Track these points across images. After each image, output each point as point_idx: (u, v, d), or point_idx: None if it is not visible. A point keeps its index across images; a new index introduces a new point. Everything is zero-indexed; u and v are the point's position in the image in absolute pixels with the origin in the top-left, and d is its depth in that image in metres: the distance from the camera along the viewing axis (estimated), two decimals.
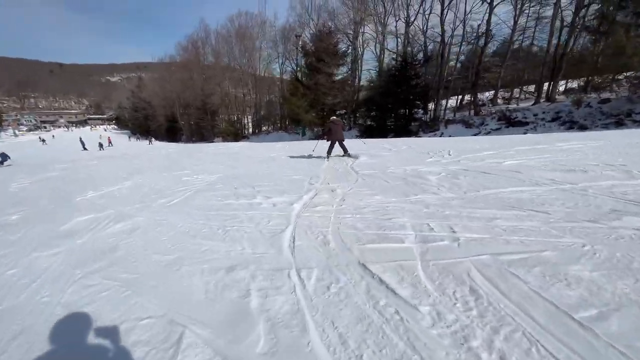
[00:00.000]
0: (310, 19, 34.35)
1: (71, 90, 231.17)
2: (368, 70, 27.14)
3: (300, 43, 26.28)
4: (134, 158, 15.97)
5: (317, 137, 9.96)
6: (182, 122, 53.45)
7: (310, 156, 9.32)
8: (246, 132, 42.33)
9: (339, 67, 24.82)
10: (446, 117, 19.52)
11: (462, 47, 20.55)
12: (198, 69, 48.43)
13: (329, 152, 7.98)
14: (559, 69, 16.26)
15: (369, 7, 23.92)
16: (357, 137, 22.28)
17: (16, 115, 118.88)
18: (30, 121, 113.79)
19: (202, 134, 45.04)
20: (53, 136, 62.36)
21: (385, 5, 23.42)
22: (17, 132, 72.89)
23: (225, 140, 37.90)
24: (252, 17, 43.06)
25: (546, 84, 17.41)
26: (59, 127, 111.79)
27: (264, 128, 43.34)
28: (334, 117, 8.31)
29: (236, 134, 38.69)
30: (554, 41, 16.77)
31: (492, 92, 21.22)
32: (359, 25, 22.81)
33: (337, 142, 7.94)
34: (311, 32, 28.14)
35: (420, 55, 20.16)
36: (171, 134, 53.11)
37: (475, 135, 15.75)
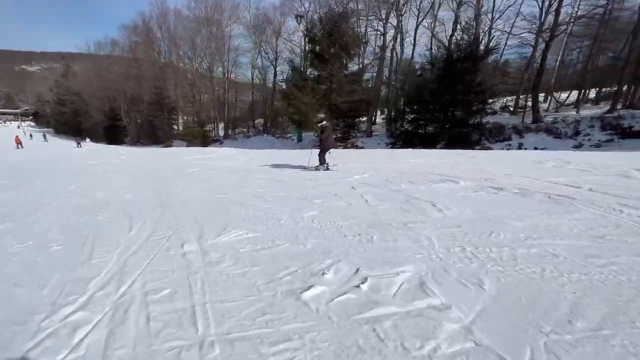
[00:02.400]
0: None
1: None
2: (408, 60, 22.42)
3: (303, 25, 21.04)
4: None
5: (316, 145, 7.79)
6: (126, 120, 43.74)
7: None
8: (217, 135, 35.14)
9: (355, 57, 20.17)
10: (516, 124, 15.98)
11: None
12: (151, 55, 40.01)
13: (323, 160, 7.33)
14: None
15: None
16: (389, 145, 17.61)
17: None
18: None
19: (155, 135, 36.58)
20: None
21: None
22: None
23: (190, 144, 30.45)
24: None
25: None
26: None
27: (237, 131, 36.56)
28: (325, 122, 7.51)
29: (205, 137, 31.50)
30: None
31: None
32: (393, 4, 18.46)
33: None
34: (311, 14, 23.24)
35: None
36: (112, 134, 43.00)
37: (576, 148, 12.24)
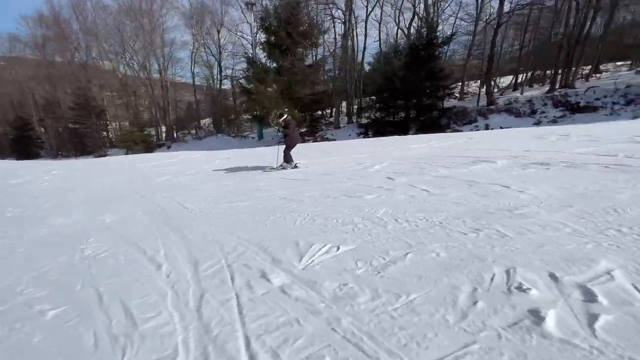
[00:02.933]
0: None
1: None
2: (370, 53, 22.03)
3: (256, 14, 19.59)
4: None
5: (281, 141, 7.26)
6: (41, 130, 37.03)
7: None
8: (161, 139, 31.60)
9: (314, 47, 19.44)
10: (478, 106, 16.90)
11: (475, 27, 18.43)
12: (66, 52, 34.30)
13: (290, 157, 6.76)
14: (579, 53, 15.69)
15: None
16: (360, 135, 17.42)
17: None
18: None
19: (82, 144, 31.54)
20: None
21: None
22: None
23: (131, 151, 26.86)
24: None
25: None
26: None
27: (185, 132, 33.34)
28: (287, 115, 6.94)
29: (148, 142, 28.01)
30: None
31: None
32: None
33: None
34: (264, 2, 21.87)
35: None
36: (22, 147, 35.88)
37: (536, 125, 13.38)
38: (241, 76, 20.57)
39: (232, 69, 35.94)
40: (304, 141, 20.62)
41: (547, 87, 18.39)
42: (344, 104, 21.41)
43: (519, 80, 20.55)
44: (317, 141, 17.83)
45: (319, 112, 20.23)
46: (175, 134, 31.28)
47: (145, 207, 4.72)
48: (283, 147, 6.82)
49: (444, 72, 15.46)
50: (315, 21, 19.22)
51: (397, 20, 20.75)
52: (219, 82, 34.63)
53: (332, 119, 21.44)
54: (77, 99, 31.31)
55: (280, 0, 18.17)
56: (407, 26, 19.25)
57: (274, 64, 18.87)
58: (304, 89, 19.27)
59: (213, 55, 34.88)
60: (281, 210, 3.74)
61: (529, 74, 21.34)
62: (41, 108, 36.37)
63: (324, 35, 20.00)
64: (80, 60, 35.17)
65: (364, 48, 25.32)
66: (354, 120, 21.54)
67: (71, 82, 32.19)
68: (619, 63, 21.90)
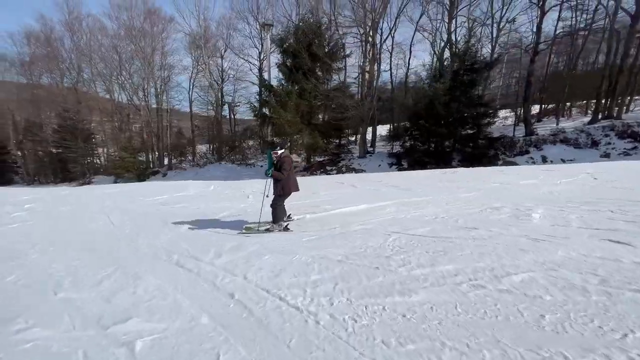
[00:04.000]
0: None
1: None
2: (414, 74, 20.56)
3: (272, 36, 18.36)
4: None
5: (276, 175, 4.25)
6: (18, 154, 33.92)
7: None
8: (153, 166, 29.03)
9: (337, 71, 18.14)
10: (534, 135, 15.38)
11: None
12: (56, 69, 32.35)
13: (281, 213, 4.45)
14: (616, 82, 14.89)
15: None
16: (392, 166, 15.51)
17: None
18: None
19: (65, 170, 28.59)
20: None
21: None
22: None
23: (120, 179, 24.24)
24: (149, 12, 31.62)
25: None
26: None
27: (182, 160, 30.91)
28: (285, 150, 4.43)
29: (142, 170, 25.45)
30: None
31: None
32: (377, 14, 16.93)
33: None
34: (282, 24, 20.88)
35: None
36: None
37: (604, 157, 11.89)
38: (252, 101, 18.88)
39: (232, 95, 34.67)
40: (324, 171, 18.35)
41: (587, 118, 17.49)
42: (369, 130, 19.78)
43: (555, 108, 19.52)
44: (341, 172, 15.86)
45: (339, 141, 18.51)
46: (170, 161, 28.78)
47: (201, 293, 2.46)
48: (270, 195, 4.51)
49: (485, 99, 14.21)
50: (338, 43, 18.10)
51: (433, 44, 19.94)
52: (220, 107, 33.08)
53: (350, 147, 19.72)
54: (63, 121, 28.87)
55: (303, 22, 17.08)
56: (440, 50, 18.34)
57: (296, 87, 17.30)
58: (327, 114, 17.70)
59: (215, 81, 33.63)
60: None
61: (567, 104, 20.55)
62: (21, 130, 33.45)
63: (346, 59, 18.84)
64: (71, 81, 33.13)
65: (390, 72, 23.91)
66: (373, 150, 19.84)
67: (58, 104, 29.82)
68: None
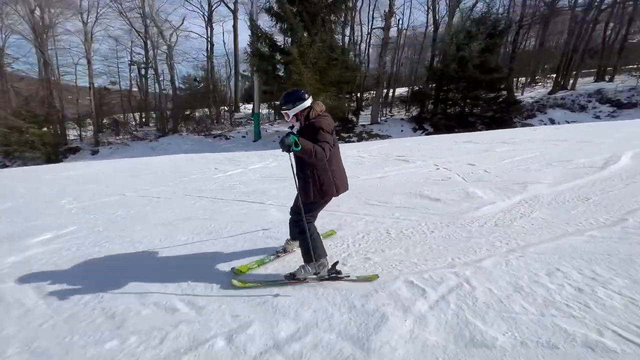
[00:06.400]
0: None
1: None
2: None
3: None
4: None
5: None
6: None
7: None
8: (69, 142, 21.51)
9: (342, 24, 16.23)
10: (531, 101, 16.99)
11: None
12: None
13: (317, 248, 2.14)
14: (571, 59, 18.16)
15: None
16: (418, 131, 15.22)
17: None
18: None
19: None
20: None
21: None
22: None
23: (15, 158, 17.36)
24: None
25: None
26: None
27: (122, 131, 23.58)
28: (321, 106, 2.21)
29: (54, 146, 18.50)
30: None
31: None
32: None
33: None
34: None
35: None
36: None
37: (596, 119, 14.28)
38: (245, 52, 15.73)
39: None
40: (340, 139, 15.27)
41: (545, 89, 20.98)
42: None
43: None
44: (363, 139, 14.69)
45: (353, 105, 17.17)
46: (97, 136, 21.57)
47: None
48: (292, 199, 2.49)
49: (501, 64, 15.28)
50: None
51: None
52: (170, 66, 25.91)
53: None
54: None
55: None
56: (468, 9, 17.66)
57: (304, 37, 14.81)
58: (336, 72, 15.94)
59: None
60: None
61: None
62: None
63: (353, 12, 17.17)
64: None
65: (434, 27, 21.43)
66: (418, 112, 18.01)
67: None
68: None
